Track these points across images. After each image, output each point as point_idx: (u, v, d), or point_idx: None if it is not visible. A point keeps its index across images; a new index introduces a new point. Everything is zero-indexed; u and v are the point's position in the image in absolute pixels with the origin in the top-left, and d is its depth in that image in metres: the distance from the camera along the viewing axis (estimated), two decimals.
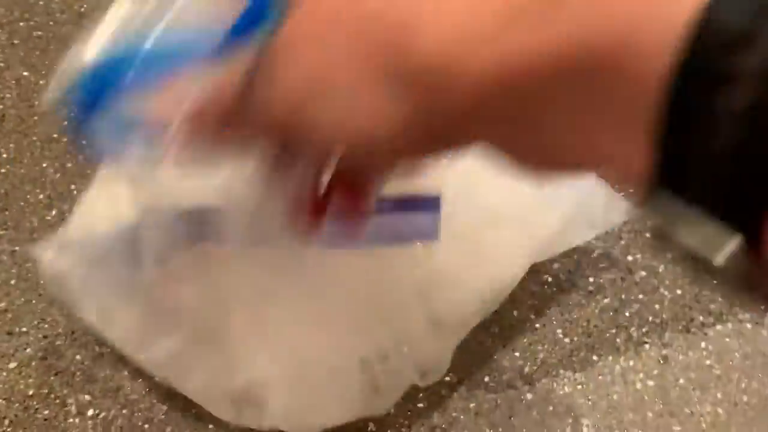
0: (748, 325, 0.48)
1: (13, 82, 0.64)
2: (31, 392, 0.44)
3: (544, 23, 0.17)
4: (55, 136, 0.60)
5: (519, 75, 0.18)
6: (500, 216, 0.41)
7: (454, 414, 0.44)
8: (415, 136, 0.21)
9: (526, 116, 0.19)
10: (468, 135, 0.21)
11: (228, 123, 0.24)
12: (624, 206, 0.45)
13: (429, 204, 0.33)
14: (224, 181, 0.29)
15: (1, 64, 0.66)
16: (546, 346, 0.47)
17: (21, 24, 0.68)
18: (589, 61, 0.17)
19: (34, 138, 0.60)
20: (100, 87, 0.23)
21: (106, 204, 0.42)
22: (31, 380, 0.45)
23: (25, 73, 0.65)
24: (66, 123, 0.23)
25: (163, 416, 0.44)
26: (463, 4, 0.20)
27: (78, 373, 0.45)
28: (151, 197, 0.32)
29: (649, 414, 0.44)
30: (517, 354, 0.46)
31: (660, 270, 0.51)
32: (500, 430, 0.43)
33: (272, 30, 0.22)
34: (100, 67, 0.23)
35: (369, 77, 0.20)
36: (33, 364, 0.46)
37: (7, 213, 0.54)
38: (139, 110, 0.24)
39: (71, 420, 0.43)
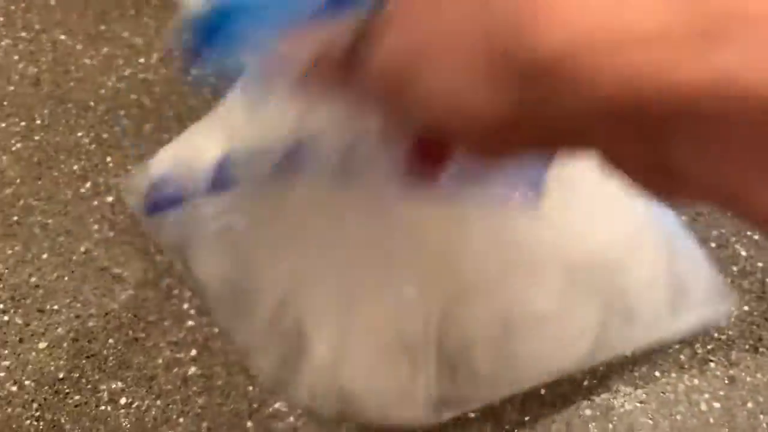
0: None
1: (50, 44, 0.62)
2: (61, 375, 0.42)
3: (709, 51, 0.16)
4: (91, 104, 0.57)
5: (667, 97, 0.16)
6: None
7: (507, 427, 0.41)
8: (516, 128, 0.19)
9: (653, 139, 0.18)
10: (579, 142, 0.19)
11: (336, 76, 0.24)
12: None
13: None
14: (326, 117, 0.27)
15: (38, 26, 0.63)
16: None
17: None
18: (742, 102, 0.15)
19: (70, 105, 0.57)
20: (219, 25, 0.23)
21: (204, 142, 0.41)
22: (61, 362, 0.43)
23: (62, 37, 0.63)
24: (184, 60, 0.24)
25: (199, 410, 0.41)
26: (606, 5, 0.17)
27: (111, 358, 0.43)
28: (255, 131, 0.31)
29: None
30: None
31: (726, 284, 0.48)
32: None
33: None
34: (219, 7, 0.23)
35: (482, 58, 0.19)
36: (64, 345, 0.44)
37: (39, 182, 0.52)
38: (254, 51, 0.25)
39: (102, 408, 0.41)
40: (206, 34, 0.24)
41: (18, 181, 0.52)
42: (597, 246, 0.37)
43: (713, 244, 0.51)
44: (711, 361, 0.45)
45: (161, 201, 0.38)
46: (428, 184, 0.27)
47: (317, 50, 0.23)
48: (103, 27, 0.64)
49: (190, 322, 0.45)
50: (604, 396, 0.42)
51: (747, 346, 0.45)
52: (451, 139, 0.23)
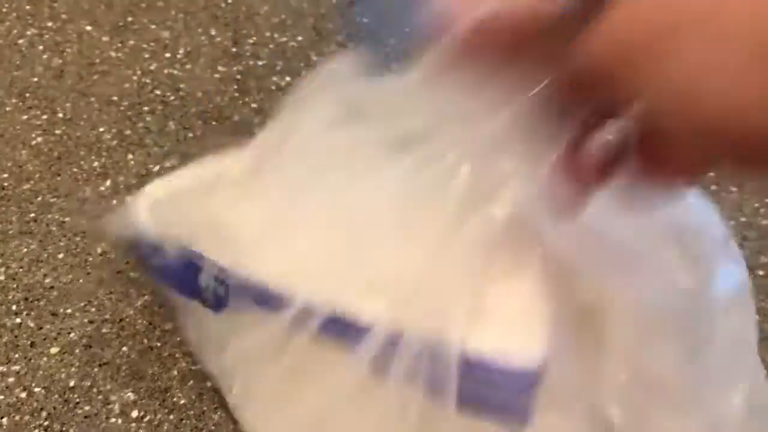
0: None
1: (75, 35, 0.60)
2: (72, 383, 0.41)
3: None
4: (114, 98, 0.56)
5: None
6: None
7: None
8: None
9: None
10: None
11: (522, 43, 0.20)
12: None
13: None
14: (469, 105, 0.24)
15: (64, 16, 0.62)
16: None
17: None
18: None
19: (93, 99, 0.56)
20: None
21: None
22: (73, 369, 0.41)
23: (88, 28, 0.61)
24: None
25: (213, 427, 0.39)
26: None
27: (124, 368, 0.41)
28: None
29: None
30: None
31: None
32: None
33: None
34: None
35: (752, 42, 0.16)
36: (76, 351, 0.42)
37: (59, 179, 0.50)
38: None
39: (113, 420, 0.39)
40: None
41: (37, 176, 0.50)
42: None
43: (761, 272, 0.48)
44: None
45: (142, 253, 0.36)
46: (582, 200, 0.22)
47: (496, 7, 0.20)
48: (130, 18, 0.62)
49: None
50: None
51: None
52: (692, 136, 0.18)
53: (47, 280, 0.45)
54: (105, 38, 0.60)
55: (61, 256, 0.46)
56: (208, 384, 0.41)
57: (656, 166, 0.20)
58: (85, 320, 0.43)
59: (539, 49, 0.20)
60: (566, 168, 0.22)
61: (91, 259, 0.46)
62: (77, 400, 0.40)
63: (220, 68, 0.59)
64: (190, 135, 0.54)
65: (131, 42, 0.60)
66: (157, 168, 0.51)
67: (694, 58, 0.16)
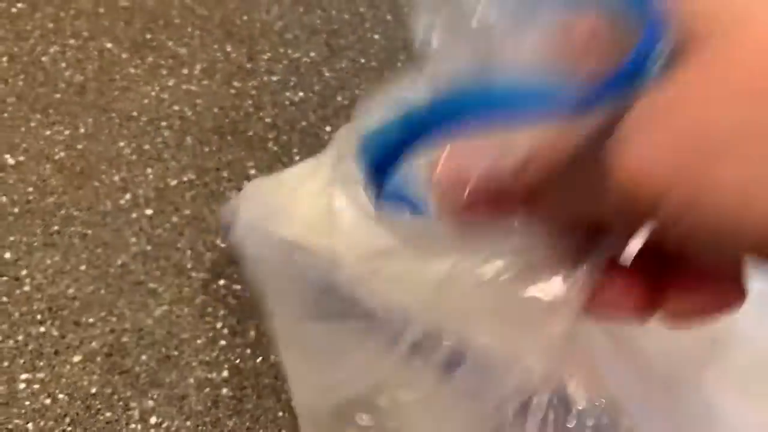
0: None
1: (96, 53, 0.62)
2: (93, 390, 0.42)
3: None
4: (134, 114, 0.58)
5: None
6: None
7: None
8: None
9: None
10: None
11: (539, 197, 0.19)
12: None
13: None
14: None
15: (85, 33, 0.64)
16: None
17: None
18: None
19: (113, 114, 0.58)
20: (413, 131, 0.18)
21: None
22: (94, 377, 0.43)
23: (108, 45, 0.63)
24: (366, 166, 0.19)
25: None
26: None
27: (143, 375, 0.43)
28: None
29: None
30: None
31: None
32: None
33: (647, 87, 0.17)
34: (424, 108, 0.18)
35: None
36: (98, 359, 0.44)
37: (81, 192, 0.52)
38: (431, 163, 0.20)
39: (133, 426, 0.41)
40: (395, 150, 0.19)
41: (60, 190, 0.52)
42: None
43: None
44: None
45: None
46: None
47: (504, 162, 0.19)
48: (148, 36, 0.64)
49: (223, 342, 0.45)
50: None
51: None
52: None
53: (70, 291, 0.47)
54: (125, 55, 0.62)
55: (83, 267, 0.48)
56: (224, 391, 0.42)
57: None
58: (106, 329, 0.45)
59: (554, 194, 0.19)
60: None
61: (111, 270, 0.48)
62: (99, 406, 0.42)
63: (235, 84, 0.61)
64: (207, 149, 0.55)
65: (150, 59, 0.62)
66: (175, 182, 0.53)
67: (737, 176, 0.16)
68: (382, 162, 0.19)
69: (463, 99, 0.17)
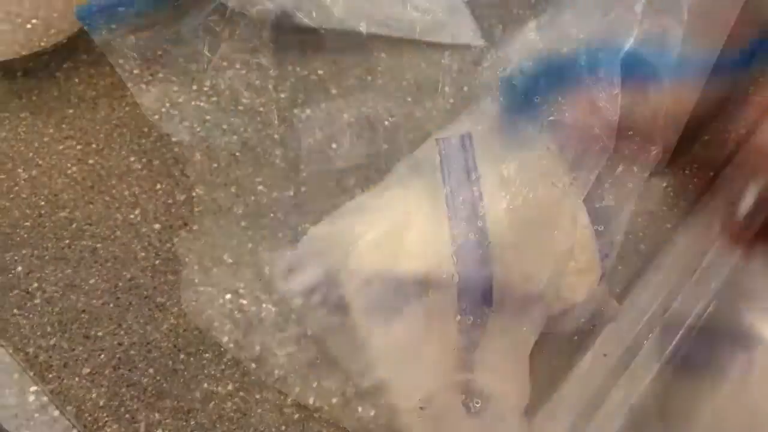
0: None
1: (108, 68, 0.64)
2: (101, 403, 0.43)
3: None
4: (144, 129, 0.59)
5: None
6: None
7: None
8: None
9: None
10: None
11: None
12: None
13: None
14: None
15: (98, 49, 0.65)
16: None
17: None
18: None
19: (124, 130, 0.59)
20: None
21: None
22: (102, 390, 0.44)
23: (120, 60, 0.64)
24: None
25: None
26: None
27: (150, 389, 0.44)
28: None
29: None
30: None
31: None
32: None
33: None
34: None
35: None
36: (106, 372, 0.45)
37: (92, 207, 0.53)
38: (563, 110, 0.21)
39: None
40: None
41: (72, 204, 0.53)
42: None
43: None
44: None
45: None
46: None
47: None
48: (159, 52, 0.65)
49: (229, 356, 0.46)
50: None
51: None
52: None
53: (79, 304, 0.48)
54: (136, 71, 0.64)
55: (92, 281, 0.49)
56: (228, 404, 0.43)
57: None
58: (115, 342, 0.46)
59: None
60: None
61: (120, 284, 0.49)
62: (106, 419, 0.43)
63: (243, 101, 0.62)
64: (215, 165, 0.56)
65: (160, 75, 0.63)
66: (183, 197, 0.54)
67: None
68: None
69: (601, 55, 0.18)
